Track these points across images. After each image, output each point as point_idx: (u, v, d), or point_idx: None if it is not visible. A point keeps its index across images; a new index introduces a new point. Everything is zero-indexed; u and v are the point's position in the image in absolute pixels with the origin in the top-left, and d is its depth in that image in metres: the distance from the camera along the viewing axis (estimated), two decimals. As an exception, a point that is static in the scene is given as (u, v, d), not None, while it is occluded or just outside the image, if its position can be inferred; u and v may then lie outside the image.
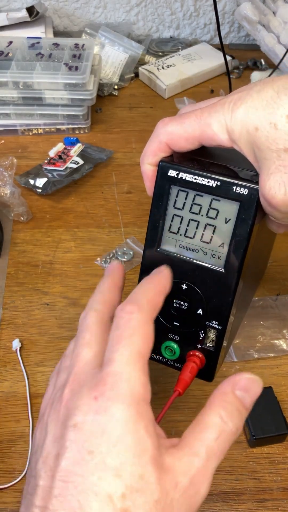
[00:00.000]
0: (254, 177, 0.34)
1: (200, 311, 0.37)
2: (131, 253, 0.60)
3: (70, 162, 0.67)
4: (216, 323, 0.37)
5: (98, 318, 0.33)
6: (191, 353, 0.38)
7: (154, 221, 0.37)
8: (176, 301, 0.38)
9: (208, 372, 0.39)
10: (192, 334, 0.38)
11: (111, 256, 0.60)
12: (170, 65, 0.85)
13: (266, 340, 0.52)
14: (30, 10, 0.82)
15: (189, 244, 0.37)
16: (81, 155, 0.69)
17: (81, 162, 0.68)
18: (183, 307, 0.38)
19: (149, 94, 0.84)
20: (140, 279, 0.39)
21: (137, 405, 0.27)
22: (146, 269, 0.38)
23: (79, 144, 0.70)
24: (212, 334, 0.37)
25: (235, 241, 0.35)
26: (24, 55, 0.75)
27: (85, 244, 0.61)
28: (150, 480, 0.26)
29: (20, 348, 0.52)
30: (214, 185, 0.34)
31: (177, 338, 0.39)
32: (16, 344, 0.51)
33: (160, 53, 0.91)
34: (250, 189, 0.33)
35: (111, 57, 0.86)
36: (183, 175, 0.35)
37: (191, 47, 0.90)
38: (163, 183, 0.36)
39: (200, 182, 0.35)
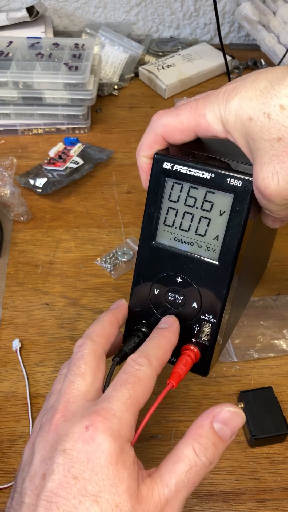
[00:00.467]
0: (249, 170, 0.34)
1: (194, 305, 0.37)
2: (131, 253, 0.60)
3: (70, 162, 0.67)
4: (211, 316, 0.37)
5: (94, 349, 0.35)
6: (186, 347, 0.38)
7: (149, 214, 0.37)
8: (171, 294, 0.38)
9: (203, 367, 0.39)
10: (186, 328, 0.38)
11: (111, 256, 0.60)
12: (170, 65, 0.85)
13: (266, 340, 0.52)
14: (30, 10, 0.82)
15: (184, 237, 0.37)
16: (81, 155, 0.69)
17: (81, 162, 0.68)
18: (178, 300, 0.38)
19: (149, 94, 0.84)
20: (135, 273, 0.39)
21: (121, 442, 0.29)
22: (141, 262, 0.38)
23: (79, 144, 0.70)
24: (206, 328, 0.38)
25: (230, 234, 0.35)
26: (24, 55, 0.75)
27: (85, 244, 0.61)
28: (124, 509, 0.28)
29: (20, 348, 0.52)
30: (208, 177, 0.34)
31: None
32: (16, 344, 0.51)
33: (160, 53, 0.91)
34: (244, 181, 0.33)
35: (111, 57, 0.86)
36: (177, 167, 0.35)
37: (191, 47, 0.90)
38: (158, 175, 0.36)
39: (195, 174, 0.35)
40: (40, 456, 0.30)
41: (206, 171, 0.34)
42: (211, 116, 0.33)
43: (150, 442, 0.45)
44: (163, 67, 0.85)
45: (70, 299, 0.56)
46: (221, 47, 0.72)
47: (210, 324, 0.37)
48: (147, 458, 0.45)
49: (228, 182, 0.34)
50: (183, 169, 0.35)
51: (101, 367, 0.34)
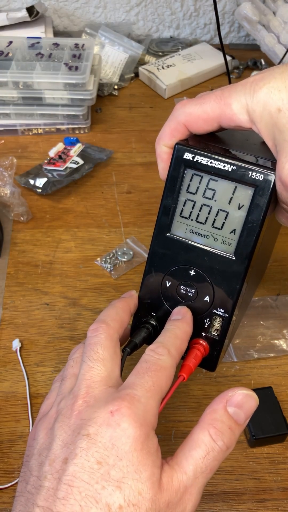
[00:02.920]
0: (270, 164, 0.34)
1: (207, 298, 0.37)
2: (131, 253, 0.60)
3: (70, 162, 0.67)
4: (223, 311, 0.37)
5: (110, 334, 0.34)
6: (195, 341, 0.38)
7: (166, 205, 0.37)
8: (183, 287, 0.38)
9: (211, 362, 0.39)
10: (197, 321, 0.38)
11: (111, 256, 0.60)
12: (170, 65, 0.85)
13: (266, 340, 0.52)
14: (30, 10, 0.82)
15: (200, 230, 0.36)
16: (81, 155, 0.69)
17: (81, 162, 0.68)
18: (190, 293, 0.38)
19: (149, 94, 0.84)
20: (147, 264, 0.39)
21: (147, 428, 0.29)
22: (154, 254, 0.38)
23: (79, 144, 0.70)
24: (217, 323, 0.37)
25: (247, 228, 0.34)
26: (24, 55, 0.75)
27: (85, 244, 0.61)
28: (146, 497, 0.27)
29: (20, 348, 0.52)
30: (229, 169, 0.34)
31: None
32: (16, 344, 0.51)
33: (160, 53, 0.91)
34: (266, 174, 0.33)
35: (111, 57, 0.86)
36: (198, 158, 0.35)
37: (191, 47, 0.90)
38: (178, 166, 0.36)
39: (216, 166, 0.34)
40: (61, 441, 0.29)
41: (227, 163, 0.34)
42: (237, 105, 0.32)
43: (150, 442, 0.45)
44: (163, 67, 0.85)
45: (70, 299, 0.56)
46: (221, 47, 0.72)
47: (221, 319, 0.37)
48: (147, 458, 0.45)
49: (249, 175, 0.33)
50: (204, 161, 0.35)
51: (118, 352, 0.34)
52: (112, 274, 0.58)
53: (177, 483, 0.29)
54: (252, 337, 0.52)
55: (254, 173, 0.33)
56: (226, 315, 0.37)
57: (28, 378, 0.49)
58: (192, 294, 0.38)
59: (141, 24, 0.95)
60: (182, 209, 0.37)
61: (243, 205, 0.34)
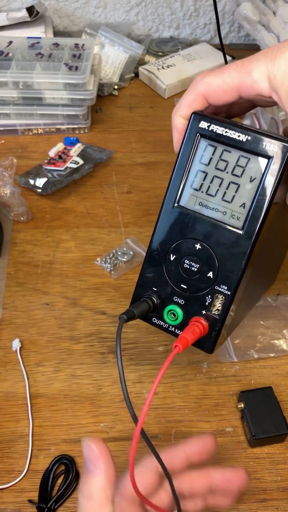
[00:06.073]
0: (284, 138, 0.34)
1: (210, 274, 0.36)
2: (131, 253, 0.60)
3: (70, 162, 0.67)
4: (226, 287, 0.36)
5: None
6: (195, 319, 0.37)
7: (176, 176, 0.37)
8: (187, 261, 0.37)
9: (209, 342, 0.37)
10: (198, 298, 0.37)
11: (111, 256, 0.60)
12: (170, 65, 0.85)
13: (266, 340, 0.52)
14: (30, 10, 0.82)
15: (209, 203, 0.36)
16: (81, 155, 0.69)
17: (81, 162, 0.68)
18: (193, 268, 0.37)
19: (149, 94, 0.84)
20: (153, 236, 0.38)
21: None
22: (161, 225, 0.38)
23: (79, 144, 0.70)
24: (219, 301, 0.36)
25: (257, 201, 0.34)
26: (24, 55, 0.74)
27: (85, 244, 0.61)
28: None
29: (20, 348, 0.52)
30: (244, 139, 0.34)
31: (182, 302, 0.38)
32: (16, 344, 0.51)
33: (160, 53, 0.91)
34: (281, 146, 0.33)
35: (111, 57, 0.86)
36: (214, 127, 0.35)
37: (191, 47, 0.90)
38: (193, 135, 0.36)
39: (231, 136, 0.34)
40: None
41: (242, 133, 0.34)
42: (258, 72, 0.32)
43: (150, 442, 0.45)
44: (163, 67, 0.85)
45: (70, 299, 0.56)
46: (221, 47, 0.72)
47: (223, 297, 0.36)
48: (147, 458, 0.45)
49: (263, 146, 0.33)
50: (219, 130, 0.35)
51: None
52: (112, 274, 0.58)
53: None
54: (252, 337, 0.52)
55: (268, 145, 0.33)
56: (229, 293, 0.36)
57: (28, 378, 0.49)
58: (195, 269, 0.37)
59: (141, 24, 0.95)
60: (194, 181, 0.36)
61: (255, 178, 0.34)
